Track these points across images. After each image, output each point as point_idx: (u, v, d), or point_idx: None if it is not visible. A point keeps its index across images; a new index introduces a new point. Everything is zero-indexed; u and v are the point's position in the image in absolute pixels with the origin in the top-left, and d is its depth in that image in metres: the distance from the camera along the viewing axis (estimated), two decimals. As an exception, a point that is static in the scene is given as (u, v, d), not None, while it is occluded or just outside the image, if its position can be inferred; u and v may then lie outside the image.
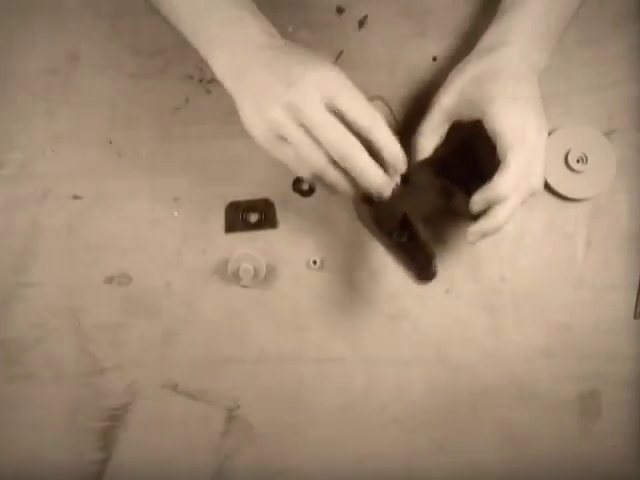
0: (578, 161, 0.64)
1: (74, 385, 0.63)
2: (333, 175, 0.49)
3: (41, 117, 0.65)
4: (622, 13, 0.66)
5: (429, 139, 0.57)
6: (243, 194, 0.64)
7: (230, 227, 0.64)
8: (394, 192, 0.52)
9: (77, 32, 0.66)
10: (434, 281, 0.63)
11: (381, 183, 0.49)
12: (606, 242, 0.64)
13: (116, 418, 0.63)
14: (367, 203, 0.54)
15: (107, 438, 0.63)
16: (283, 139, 0.49)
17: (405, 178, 0.54)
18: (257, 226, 0.64)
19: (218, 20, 0.53)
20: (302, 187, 0.64)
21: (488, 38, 0.57)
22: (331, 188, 0.50)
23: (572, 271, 0.64)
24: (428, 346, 0.64)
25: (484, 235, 0.52)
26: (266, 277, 0.63)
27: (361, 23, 0.67)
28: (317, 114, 0.48)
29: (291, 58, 0.51)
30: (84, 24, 0.66)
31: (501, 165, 0.51)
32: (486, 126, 0.53)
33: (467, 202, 0.53)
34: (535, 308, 0.64)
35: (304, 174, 0.51)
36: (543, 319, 0.64)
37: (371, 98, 0.62)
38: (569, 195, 0.64)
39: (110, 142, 0.65)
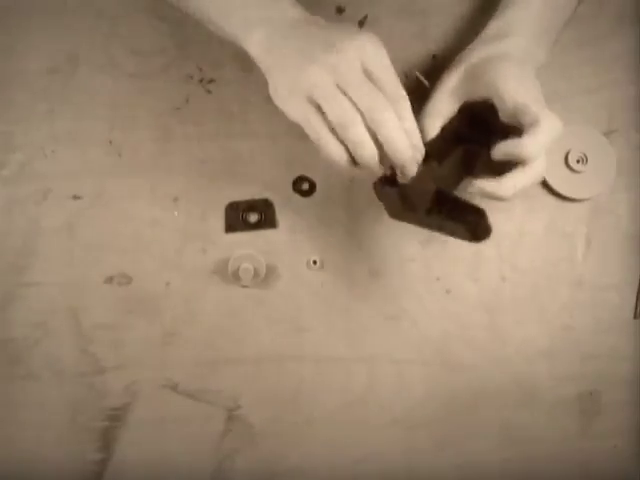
0: (578, 161, 0.64)
1: (74, 385, 0.63)
2: (369, 148, 0.48)
3: (41, 117, 0.65)
4: (622, 13, 0.66)
5: (434, 119, 0.55)
6: (243, 194, 0.64)
7: (230, 227, 0.64)
8: (420, 171, 0.52)
9: (77, 32, 0.66)
10: (434, 281, 0.64)
11: (410, 156, 0.49)
12: (606, 242, 0.64)
13: (116, 418, 0.63)
14: (390, 186, 0.53)
15: (107, 438, 0.63)
16: (318, 111, 0.48)
17: (426, 156, 0.53)
18: (257, 226, 0.64)
19: (250, 0, 0.53)
20: (302, 187, 0.64)
21: (492, 29, 0.57)
22: (362, 164, 0.50)
23: (572, 271, 0.64)
24: (428, 346, 0.64)
25: (486, 195, 0.51)
26: (266, 277, 0.63)
27: (361, 23, 0.67)
28: (358, 78, 0.48)
29: (329, 28, 0.50)
30: (84, 24, 0.66)
31: (532, 128, 0.50)
32: (502, 104, 0.52)
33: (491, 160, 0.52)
34: (535, 308, 0.64)
35: (335, 150, 0.49)
36: (543, 319, 0.64)
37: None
38: (569, 195, 0.64)
39: (110, 142, 0.65)
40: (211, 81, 0.65)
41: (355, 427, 0.63)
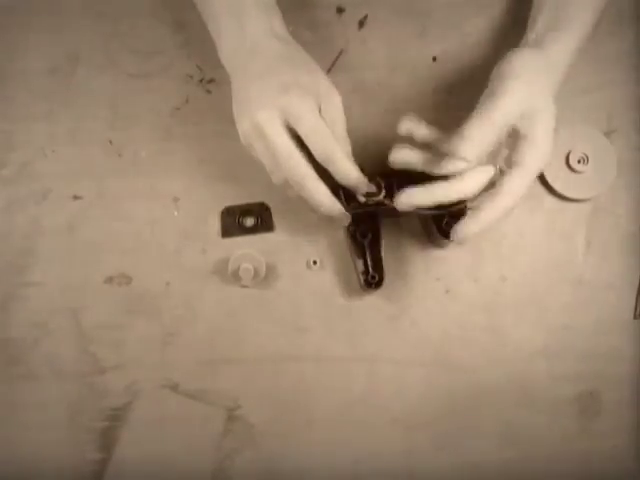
0: (579, 161, 0.64)
1: (74, 385, 0.63)
2: (309, 187, 0.52)
3: (41, 117, 0.65)
4: (622, 13, 0.66)
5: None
6: (243, 194, 0.64)
7: (226, 232, 0.64)
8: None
9: (77, 32, 0.66)
10: (434, 281, 0.64)
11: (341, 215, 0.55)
12: (606, 242, 0.64)
13: (116, 418, 0.63)
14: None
15: (107, 438, 0.63)
16: (264, 143, 0.52)
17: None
18: (253, 230, 0.64)
19: (223, 8, 0.56)
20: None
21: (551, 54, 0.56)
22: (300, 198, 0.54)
23: (572, 271, 0.64)
24: (428, 346, 0.63)
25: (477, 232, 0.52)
26: (266, 277, 0.63)
27: (361, 23, 0.67)
28: (309, 121, 0.51)
29: (287, 61, 0.53)
30: (84, 24, 0.66)
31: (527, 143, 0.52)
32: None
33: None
34: (535, 308, 0.64)
35: (277, 180, 0.54)
36: (543, 319, 0.64)
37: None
38: (570, 196, 0.64)
39: (110, 142, 0.65)
40: (211, 81, 0.65)
41: (355, 427, 0.63)
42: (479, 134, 0.50)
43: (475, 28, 0.66)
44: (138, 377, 0.63)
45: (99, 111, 0.65)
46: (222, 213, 0.64)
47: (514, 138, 0.52)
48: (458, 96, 0.64)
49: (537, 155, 0.52)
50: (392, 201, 0.54)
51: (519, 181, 0.51)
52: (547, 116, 0.52)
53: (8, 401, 0.63)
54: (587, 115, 0.65)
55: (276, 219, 0.64)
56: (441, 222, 0.57)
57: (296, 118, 0.50)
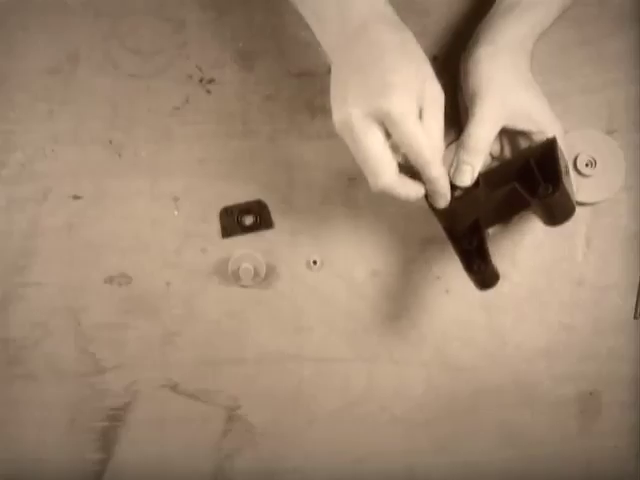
0: (587, 165, 0.64)
1: (74, 385, 0.63)
2: (401, 190, 0.49)
3: (41, 117, 0.65)
4: (622, 13, 0.66)
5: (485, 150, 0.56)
6: (243, 194, 0.64)
7: (226, 232, 0.64)
8: (466, 195, 0.53)
9: (77, 32, 0.66)
10: (434, 281, 0.64)
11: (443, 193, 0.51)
12: (606, 242, 0.64)
13: (116, 418, 0.63)
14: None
15: (107, 438, 0.63)
16: (354, 140, 0.48)
17: (478, 181, 0.54)
18: (253, 228, 0.64)
19: None
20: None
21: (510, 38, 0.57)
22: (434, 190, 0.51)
23: (572, 271, 0.64)
24: (428, 346, 0.63)
25: None
26: (266, 277, 0.63)
27: (361, 23, 0.67)
28: (406, 128, 0.47)
29: (393, 52, 0.48)
30: (84, 24, 0.66)
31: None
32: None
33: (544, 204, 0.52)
34: (535, 308, 0.64)
35: (370, 178, 0.49)
36: (543, 319, 0.64)
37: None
38: (580, 200, 0.63)
39: (110, 142, 0.65)
40: (211, 81, 0.65)
41: (355, 427, 0.63)
42: (481, 141, 0.53)
43: (475, 28, 0.66)
44: (138, 377, 0.63)
45: (99, 111, 0.65)
46: (221, 213, 0.64)
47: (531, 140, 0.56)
48: (458, 96, 0.64)
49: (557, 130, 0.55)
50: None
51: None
52: (538, 102, 0.56)
53: (8, 401, 0.63)
54: (587, 115, 0.65)
55: (276, 219, 0.64)
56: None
57: (392, 123, 0.46)
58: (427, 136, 0.47)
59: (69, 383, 0.63)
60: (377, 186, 0.48)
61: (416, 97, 0.47)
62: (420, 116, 0.47)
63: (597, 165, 0.64)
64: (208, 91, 0.65)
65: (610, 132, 0.65)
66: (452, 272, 0.64)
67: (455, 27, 0.66)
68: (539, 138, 0.56)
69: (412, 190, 0.50)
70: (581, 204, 0.64)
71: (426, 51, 0.65)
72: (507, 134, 0.58)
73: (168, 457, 0.63)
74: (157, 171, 0.65)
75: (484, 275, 0.54)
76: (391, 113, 0.46)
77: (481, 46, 0.56)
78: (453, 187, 0.53)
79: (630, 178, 0.64)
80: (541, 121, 0.55)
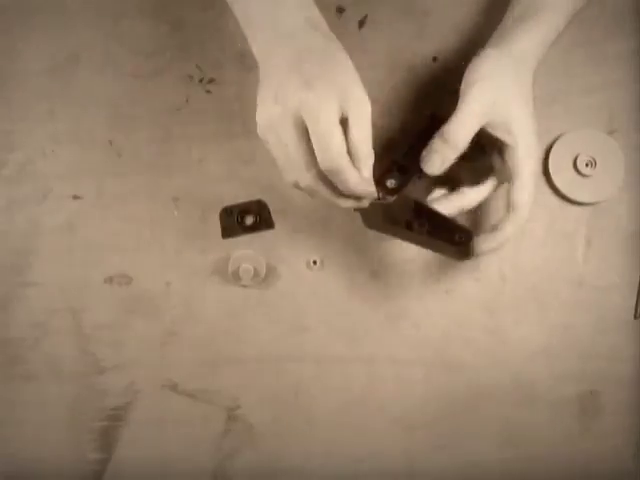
0: (587, 165, 0.64)
1: (74, 385, 0.63)
2: (321, 189, 0.50)
3: (41, 117, 0.65)
4: (622, 13, 0.66)
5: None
6: (243, 194, 0.64)
7: (226, 232, 0.64)
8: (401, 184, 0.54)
9: (77, 32, 0.66)
10: (434, 281, 0.64)
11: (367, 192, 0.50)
12: (606, 242, 0.64)
13: (116, 418, 0.63)
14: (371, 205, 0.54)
15: (107, 438, 0.63)
16: (277, 138, 0.49)
17: (403, 168, 0.55)
18: (253, 228, 0.64)
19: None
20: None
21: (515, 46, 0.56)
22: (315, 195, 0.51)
23: (572, 271, 0.64)
24: (428, 346, 0.63)
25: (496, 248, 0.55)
26: (266, 277, 0.63)
27: (361, 23, 0.67)
28: (322, 125, 0.46)
29: (319, 55, 0.49)
30: (84, 24, 0.66)
31: (517, 181, 0.54)
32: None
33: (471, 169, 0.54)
34: (535, 308, 0.64)
35: (288, 177, 0.50)
36: (543, 319, 0.64)
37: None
38: (577, 199, 0.64)
39: (110, 142, 0.65)
40: (211, 81, 0.65)
41: (355, 427, 0.63)
42: (456, 137, 0.53)
43: (475, 28, 0.66)
44: (138, 377, 0.63)
45: (99, 111, 0.65)
46: (221, 214, 0.64)
47: (501, 151, 0.55)
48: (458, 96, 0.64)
49: (528, 162, 0.54)
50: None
51: (522, 192, 0.54)
52: (524, 118, 0.54)
53: (8, 401, 0.63)
54: (587, 115, 0.65)
55: (276, 219, 0.64)
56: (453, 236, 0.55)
57: (310, 118, 0.46)
58: (348, 141, 0.47)
59: (69, 383, 0.63)
60: (298, 184, 0.50)
61: (337, 100, 0.47)
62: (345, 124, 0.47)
63: (597, 165, 0.64)
64: (208, 91, 0.65)
65: (610, 132, 0.65)
66: (452, 272, 0.64)
67: (455, 28, 0.66)
68: (509, 153, 0.54)
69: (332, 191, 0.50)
70: (581, 204, 0.64)
71: (426, 51, 0.66)
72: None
73: (168, 457, 0.63)
74: (157, 171, 0.65)
75: (469, 242, 0.54)
76: (310, 106, 0.46)
77: (488, 48, 0.56)
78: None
79: (630, 178, 0.64)
80: (518, 137, 0.54)
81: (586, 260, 0.64)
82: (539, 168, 0.56)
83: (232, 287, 0.64)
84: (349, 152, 0.48)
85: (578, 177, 0.64)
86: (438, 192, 0.59)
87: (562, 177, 0.64)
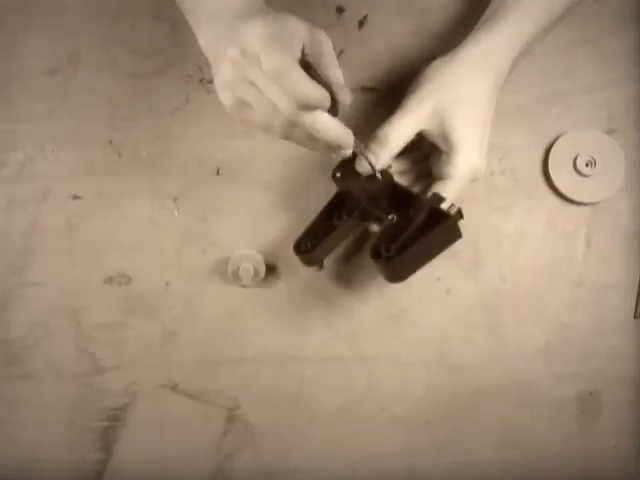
0: (587, 165, 0.64)
1: (74, 385, 0.63)
2: (296, 134, 0.48)
3: (41, 117, 0.65)
4: (622, 12, 0.66)
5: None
6: (243, 194, 0.64)
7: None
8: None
9: (77, 32, 0.66)
10: (434, 281, 0.64)
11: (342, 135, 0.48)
12: (606, 242, 0.64)
13: (116, 418, 0.63)
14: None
15: (107, 438, 0.63)
16: (245, 102, 0.47)
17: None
18: None
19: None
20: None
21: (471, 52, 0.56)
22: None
23: (572, 271, 0.64)
24: (428, 346, 0.63)
25: None
26: (266, 277, 0.63)
27: (361, 23, 0.67)
28: (256, 72, 0.45)
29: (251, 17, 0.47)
30: (84, 24, 0.67)
31: (441, 184, 0.55)
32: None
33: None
34: (535, 308, 0.64)
35: (272, 131, 0.48)
36: (543, 319, 0.64)
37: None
38: (577, 199, 0.64)
39: (110, 142, 0.65)
40: (211, 81, 0.65)
41: (355, 427, 0.63)
42: (387, 140, 0.54)
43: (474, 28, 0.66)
44: (138, 377, 0.63)
45: (99, 111, 0.65)
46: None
47: (439, 153, 0.56)
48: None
49: (460, 172, 0.54)
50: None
51: (449, 190, 0.54)
52: (465, 128, 0.54)
53: (8, 401, 0.63)
54: (587, 115, 0.65)
55: (276, 218, 0.64)
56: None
57: (270, 59, 0.44)
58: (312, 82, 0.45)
59: (69, 383, 0.63)
60: (273, 128, 0.47)
61: (295, 40, 0.46)
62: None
63: (597, 165, 0.64)
64: (208, 91, 0.65)
65: (610, 132, 0.65)
66: (452, 272, 0.64)
67: (454, 27, 0.66)
68: (444, 158, 0.54)
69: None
70: (581, 204, 0.64)
71: (426, 51, 0.66)
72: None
73: (168, 457, 0.63)
74: (157, 171, 0.65)
75: (458, 213, 0.52)
76: (250, 46, 0.45)
77: (447, 54, 0.56)
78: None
79: (630, 178, 0.64)
80: (455, 148, 0.54)
81: (586, 260, 0.64)
82: (472, 176, 0.55)
83: (232, 287, 0.64)
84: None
85: (578, 177, 0.64)
86: None
87: (562, 177, 0.64)
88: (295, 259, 0.64)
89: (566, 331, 0.64)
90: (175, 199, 0.65)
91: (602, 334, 0.63)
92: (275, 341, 0.63)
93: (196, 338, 0.64)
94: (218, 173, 0.65)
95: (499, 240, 0.64)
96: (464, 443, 0.63)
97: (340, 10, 0.67)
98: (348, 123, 0.49)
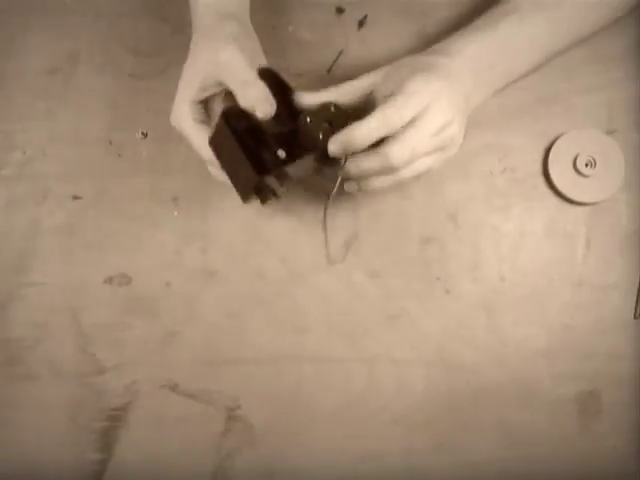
0: (587, 165, 0.64)
1: (74, 385, 0.63)
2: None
3: (41, 117, 0.65)
4: (622, 13, 0.66)
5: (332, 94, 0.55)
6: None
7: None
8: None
9: (77, 32, 0.66)
10: (434, 281, 0.64)
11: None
12: (606, 242, 0.64)
13: (116, 418, 0.63)
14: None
15: (107, 438, 0.63)
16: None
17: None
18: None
19: (196, 24, 0.58)
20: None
21: (435, 47, 0.56)
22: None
23: (572, 271, 0.64)
24: (428, 346, 0.63)
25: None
26: (266, 277, 0.63)
27: (361, 23, 0.67)
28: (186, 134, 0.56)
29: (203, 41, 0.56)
30: (84, 24, 0.67)
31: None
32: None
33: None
34: (535, 308, 0.64)
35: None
36: (543, 319, 0.64)
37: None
38: (577, 199, 0.64)
39: (110, 142, 0.65)
40: (211, 81, 0.65)
41: (355, 427, 0.63)
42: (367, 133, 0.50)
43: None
44: (138, 377, 0.63)
45: (99, 111, 0.65)
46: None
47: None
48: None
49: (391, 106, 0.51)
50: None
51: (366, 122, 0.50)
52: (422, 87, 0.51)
53: (8, 401, 0.63)
54: (587, 115, 0.65)
55: (276, 218, 0.64)
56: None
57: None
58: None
59: (69, 383, 0.63)
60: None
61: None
62: None
63: (597, 165, 0.64)
64: (208, 91, 0.65)
65: (610, 132, 0.65)
66: (452, 272, 0.64)
67: (454, 28, 0.66)
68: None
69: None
70: (581, 204, 0.65)
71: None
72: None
73: (168, 457, 0.63)
74: (157, 171, 0.65)
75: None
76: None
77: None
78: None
79: (630, 178, 0.64)
80: (400, 90, 0.51)
81: (586, 260, 0.64)
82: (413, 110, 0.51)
83: (232, 287, 0.64)
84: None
85: (578, 177, 0.64)
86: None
87: (562, 177, 0.64)
88: (295, 258, 0.64)
89: (566, 331, 0.64)
90: (175, 199, 0.65)
91: (602, 334, 0.63)
92: (275, 341, 0.63)
93: (196, 338, 0.64)
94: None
95: (499, 240, 0.64)
96: (464, 442, 0.63)
97: (340, 10, 0.67)
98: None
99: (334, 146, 0.50)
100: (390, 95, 0.51)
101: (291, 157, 0.52)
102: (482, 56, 0.56)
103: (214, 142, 0.54)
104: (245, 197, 0.56)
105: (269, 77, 0.53)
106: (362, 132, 0.49)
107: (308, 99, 0.54)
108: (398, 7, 0.67)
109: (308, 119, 0.52)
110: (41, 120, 0.65)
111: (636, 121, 0.65)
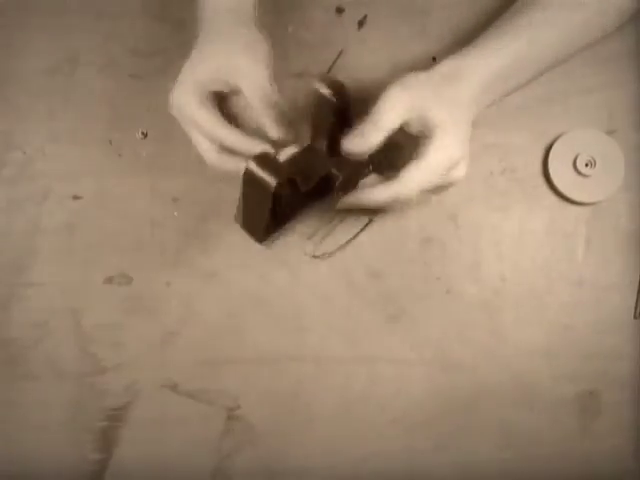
0: (587, 165, 0.64)
1: (74, 385, 0.63)
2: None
3: (41, 117, 0.65)
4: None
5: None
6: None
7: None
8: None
9: (77, 32, 0.66)
10: (434, 281, 0.64)
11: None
12: (606, 242, 0.64)
13: (116, 418, 0.63)
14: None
15: (107, 438, 0.63)
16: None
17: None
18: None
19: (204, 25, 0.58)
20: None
21: (445, 66, 0.56)
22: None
23: (572, 271, 0.64)
24: (428, 346, 0.63)
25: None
26: (266, 277, 0.63)
27: (361, 23, 0.67)
28: (190, 112, 0.55)
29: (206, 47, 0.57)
30: (84, 24, 0.67)
31: (416, 162, 0.53)
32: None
33: None
34: (535, 308, 0.64)
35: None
36: (543, 319, 0.64)
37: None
38: (577, 199, 0.64)
39: (110, 142, 0.65)
40: (211, 81, 0.65)
41: (355, 427, 0.63)
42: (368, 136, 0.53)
43: (475, 28, 0.66)
44: (138, 377, 0.63)
45: (99, 111, 0.66)
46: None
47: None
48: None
49: (436, 152, 0.53)
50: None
51: (415, 172, 0.53)
52: (445, 118, 0.53)
53: (8, 401, 0.63)
54: (587, 115, 0.65)
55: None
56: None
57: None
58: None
59: (69, 383, 0.63)
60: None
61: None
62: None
63: (597, 165, 0.64)
64: (208, 91, 0.65)
65: (610, 132, 0.65)
66: (452, 272, 0.64)
67: (455, 28, 0.66)
68: (423, 142, 0.53)
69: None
70: (581, 204, 0.65)
71: (426, 52, 0.66)
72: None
73: (168, 457, 0.63)
74: (157, 171, 0.65)
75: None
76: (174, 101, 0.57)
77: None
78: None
79: (630, 178, 0.64)
80: (435, 129, 0.52)
81: (586, 260, 0.64)
82: (449, 161, 0.53)
83: (232, 287, 0.64)
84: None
85: (578, 177, 0.64)
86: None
87: (562, 177, 0.64)
88: (295, 258, 0.64)
89: (566, 331, 0.64)
90: (175, 199, 0.65)
91: (602, 334, 0.63)
92: (275, 341, 0.63)
93: (196, 338, 0.64)
94: (217, 173, 0.65)
95: (499, 240, 0.64)
96: (464, 443, 0.63)
97: (340, 10, 0.67)
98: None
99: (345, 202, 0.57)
100: (421, 151, 0.53)
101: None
102: (494, 74, 0.56)
103: (247, 179, 0.53)
104: (246, 229, 0.58)
105: (336, 94, 0.53)
106: (387, 193, 0.54)
107: (358, 147, 0.54)
108: (398, 7, 0.67)
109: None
110: (41, 120, 0.65)
111: (636, 121, 0.65)
